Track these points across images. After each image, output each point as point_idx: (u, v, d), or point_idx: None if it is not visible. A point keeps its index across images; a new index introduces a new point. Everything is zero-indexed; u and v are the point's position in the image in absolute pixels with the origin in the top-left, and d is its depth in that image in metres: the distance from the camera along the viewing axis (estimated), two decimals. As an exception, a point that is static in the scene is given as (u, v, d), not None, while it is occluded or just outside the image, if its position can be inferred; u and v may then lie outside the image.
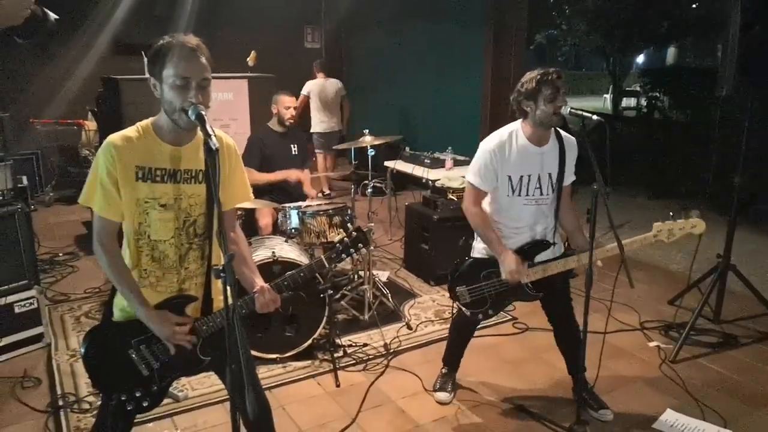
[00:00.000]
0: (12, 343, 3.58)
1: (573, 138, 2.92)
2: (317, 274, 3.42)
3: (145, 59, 1.91)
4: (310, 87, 7.44)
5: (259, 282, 2.09)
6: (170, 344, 2.00)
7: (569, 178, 2.93)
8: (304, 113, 6.84)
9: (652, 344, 3.82)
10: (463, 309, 2.98)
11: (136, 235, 1.95)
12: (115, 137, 1.89)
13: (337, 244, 2.21)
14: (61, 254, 5.41)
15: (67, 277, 4.94)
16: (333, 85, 7.51)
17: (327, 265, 2.20)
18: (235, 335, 1.64)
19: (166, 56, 1.80)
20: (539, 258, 2.88)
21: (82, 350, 2.05)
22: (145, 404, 2.06)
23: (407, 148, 6.93)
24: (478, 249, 2.99)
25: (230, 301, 1.64)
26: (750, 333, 3.96)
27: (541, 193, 2.86)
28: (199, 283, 2.06)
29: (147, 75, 1.90)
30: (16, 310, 3.59)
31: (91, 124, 7.06)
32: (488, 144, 2.83)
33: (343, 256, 2.21)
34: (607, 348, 3.48)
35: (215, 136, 1.69)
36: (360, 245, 2.21)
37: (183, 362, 2.07)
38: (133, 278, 1.97)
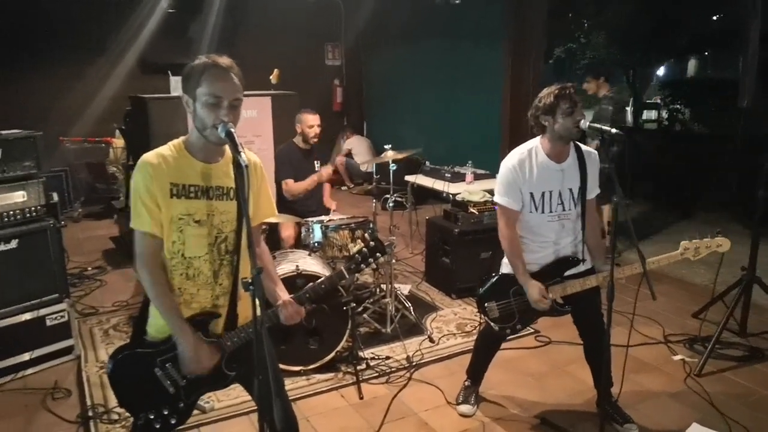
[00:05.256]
0: (43, 355, 3.66)
1: (594, 151, 2.92)
2: (340, 287, 3.47)
3: (172, 77, 1.98)
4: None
5: (283, 295, 2.14)
6: (194, 370, 2.03)
7: (593, 191, 2.93)
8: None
9: (677, 358, 3.79)
10: (492, 324, 2.96)
11: (169, 254, 1.97)
12: (149, 156, 1.93)
13: (356, 255, 2.26)
14: (89, 268, 5.53)
15: (95, 290, 5.04)
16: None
17: (347, 276, 2.24)
18: (262, 347, 1.68)
19: (201, 75, 1.87)
20: (568, 274, 2.88)
21: (109, 369, 2.05)
22: (173, 421, 2.07)
23: (427, 162, 6.98)
24: (507, 264, 2.96)
25: (258, 313, 1.69)
26: (776, 346, 3.90)
27: (564, 209, 2.86)
28: (229, 299, 2.09)
29: (180, 93, 1.97)
30: (48, 323, 3.68)
31: (118, 142, 7.21)
32: (509, 161, 2.85)
33: (362, 266, 2.25)
34: (632, 361, 3.47)
35: (244, 152, 1.76)
36: (378, 254, 2.25)
37: (209, 379, 2.08)
38: (174, 300, 1.99)
